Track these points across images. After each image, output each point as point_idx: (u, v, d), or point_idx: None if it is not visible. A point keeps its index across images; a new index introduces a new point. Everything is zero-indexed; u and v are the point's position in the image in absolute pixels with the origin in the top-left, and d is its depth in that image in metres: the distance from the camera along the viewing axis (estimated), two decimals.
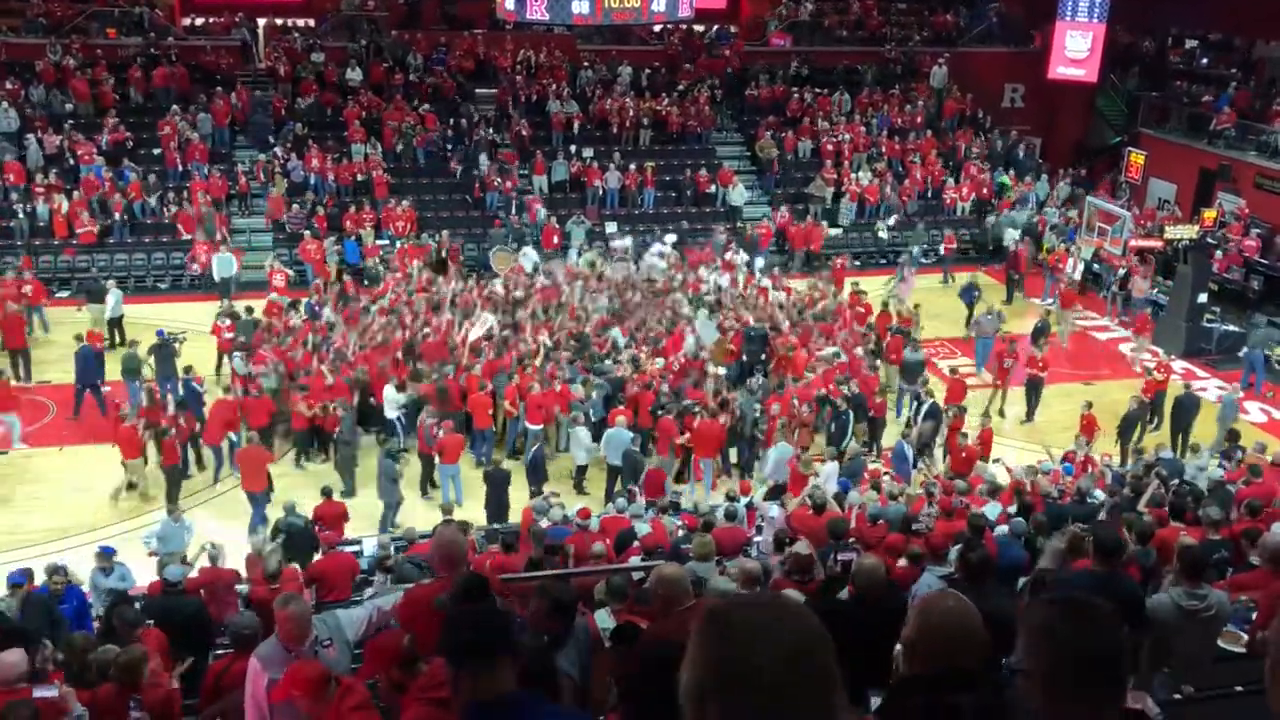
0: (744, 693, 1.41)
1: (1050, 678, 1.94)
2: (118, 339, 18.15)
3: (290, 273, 20.33)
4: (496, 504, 12.60)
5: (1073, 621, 1.97)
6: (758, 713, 1.41)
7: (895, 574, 8.07)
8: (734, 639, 1.46)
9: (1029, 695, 1.97)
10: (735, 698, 1.41)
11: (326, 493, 12.09)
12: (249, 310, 17.92)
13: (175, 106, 24.30)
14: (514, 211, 23.80)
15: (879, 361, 17.10)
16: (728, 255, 21.60)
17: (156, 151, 23.85)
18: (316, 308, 17.97)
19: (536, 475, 13.45)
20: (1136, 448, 14.28)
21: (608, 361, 15.73)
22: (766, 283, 20.12)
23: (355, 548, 11.11)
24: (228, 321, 17.00)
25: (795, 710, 1.41)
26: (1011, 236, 23.94)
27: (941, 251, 24.00)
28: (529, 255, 21.80)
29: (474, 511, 12.74)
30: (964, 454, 13.61)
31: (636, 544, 9.60)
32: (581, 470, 14.36)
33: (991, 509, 10.29)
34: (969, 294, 20.63)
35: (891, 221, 25.07)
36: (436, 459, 13.78)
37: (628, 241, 22.12)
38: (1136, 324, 20.15)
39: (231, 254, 20.81)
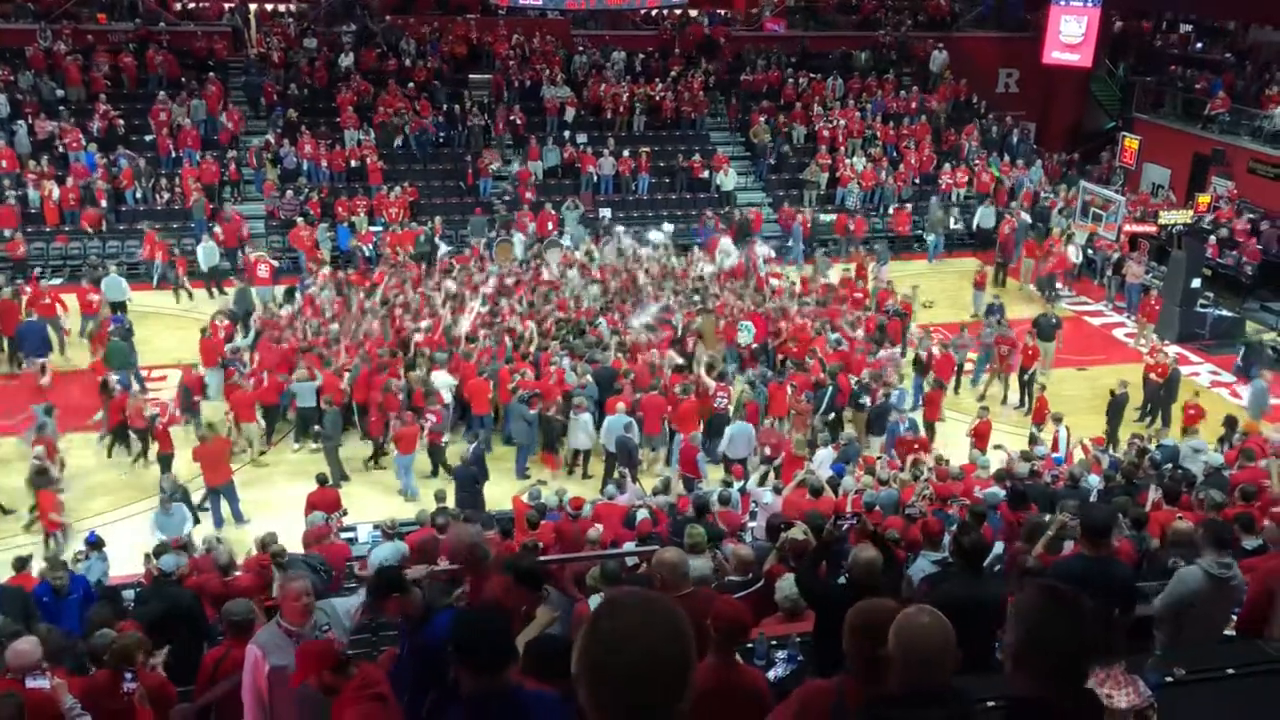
0: (607, 683, 1.75)
1: (1021, 654, 2.16)
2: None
3: (275, 263, 20.20)
4: (468, 501, 12.49)
5: (1053, 611, 2.15)
6: (615, 699, 1.74)
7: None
8: (603, 640, 1.77)
9: (1005, 664, 2.21)
10: (600, 687, 1.76)
11: (321, 480, 12.09)
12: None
13: (162, 93, 24.15)
14: (503, 200, 23.70)
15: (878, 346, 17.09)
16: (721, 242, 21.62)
17: (149, 138, 23.74)
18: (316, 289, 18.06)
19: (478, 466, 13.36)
20: (1135, 434, 14.33)
21: (603, 352, 15.69)
22: (764, 269, 20.18)
23: (350, 534, 11.13)
24: (225, 321, 16.57)
25: (647, 699, 1.74)
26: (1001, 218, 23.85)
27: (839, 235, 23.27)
28: (519, 241, 21.85)
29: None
30: (916, 445, 13.60)
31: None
32: (578, 456, 14.40)
33: (993, 493, 10.32)
34: (990, 313, 18.70)
35: (892, 209, 25.12)
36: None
37: (620, 229, 22.21)
38: (1142, 311, 20.21)
39: (214, 242, 20.62)
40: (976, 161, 26.69)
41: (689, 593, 4.79)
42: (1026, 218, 24.28)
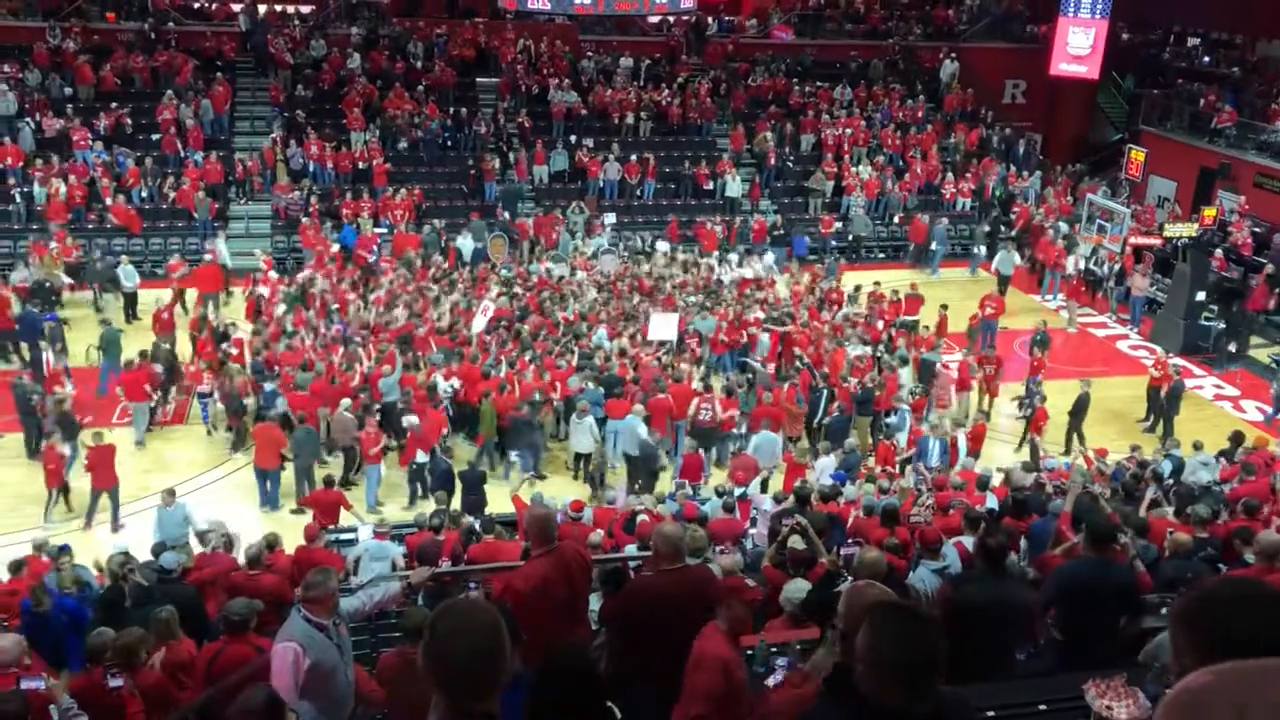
0: (441, 672, 2.29)
1: (870, 667, 2.35)
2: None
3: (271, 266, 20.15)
4: (473, 503, 12.50)
5: (891, 625, 2.37)
6: (450, 685, 2.29)
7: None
8: (436, 638, 2.32)
9: (858, 677, 2.39)
10: (439, 675, 2.30)
11: (329, 482, 12.11)
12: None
13: (169, 92, 24.13)
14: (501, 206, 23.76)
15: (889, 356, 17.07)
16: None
17: (156, 137, 23.77)
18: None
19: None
20: (1134, 445, 14.31)
21: (603, 361, 15.66)
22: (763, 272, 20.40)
23: (350, 535, 11.10)
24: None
25: (472, 683, 2.27)
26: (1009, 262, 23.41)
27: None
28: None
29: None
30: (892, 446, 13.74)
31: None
32: (579, 459, 14.35)
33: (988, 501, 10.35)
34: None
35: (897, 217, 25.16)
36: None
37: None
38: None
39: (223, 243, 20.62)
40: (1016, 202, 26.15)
41: (680, 568, 4.77)
42: (1064, 226, 24.18)
